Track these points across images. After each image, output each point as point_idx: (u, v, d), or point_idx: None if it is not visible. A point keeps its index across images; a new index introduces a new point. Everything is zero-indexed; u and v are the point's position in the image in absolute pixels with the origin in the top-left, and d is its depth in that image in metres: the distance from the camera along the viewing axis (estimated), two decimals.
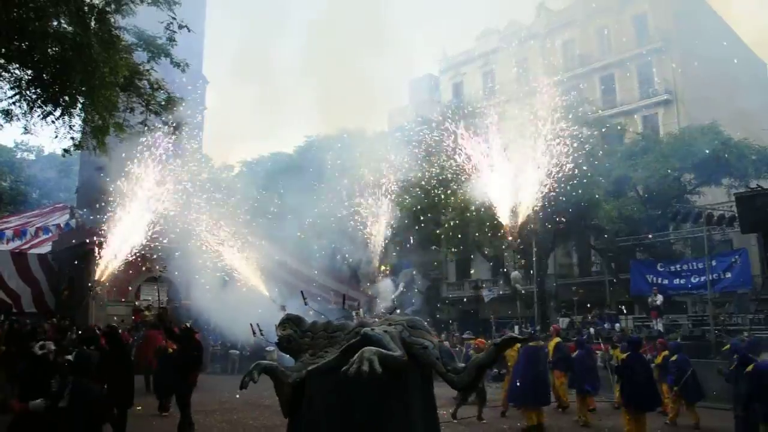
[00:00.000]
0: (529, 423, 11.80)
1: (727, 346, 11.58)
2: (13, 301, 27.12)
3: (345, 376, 5.15)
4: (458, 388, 6.05)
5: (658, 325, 20.82)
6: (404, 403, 5.82)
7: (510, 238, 19.20)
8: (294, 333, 6.63)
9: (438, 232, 27.88)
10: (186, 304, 23.14)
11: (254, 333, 12.83)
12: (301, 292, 8.35)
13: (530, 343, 12.15)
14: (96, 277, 18.33)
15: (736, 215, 19.91)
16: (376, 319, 6.80)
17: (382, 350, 5.43)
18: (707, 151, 23.19)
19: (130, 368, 10.79)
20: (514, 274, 23.50)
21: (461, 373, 5.79)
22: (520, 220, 19.88)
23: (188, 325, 11.97)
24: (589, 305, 26.17)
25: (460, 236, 27.30)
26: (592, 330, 21.51)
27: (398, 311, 8.11)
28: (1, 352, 14.03)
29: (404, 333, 6.01)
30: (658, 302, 21.23)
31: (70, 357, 6.44)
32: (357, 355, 5.26)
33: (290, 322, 6.78)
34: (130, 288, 27.17)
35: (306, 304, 8.13)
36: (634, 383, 10.04)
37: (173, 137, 15.26)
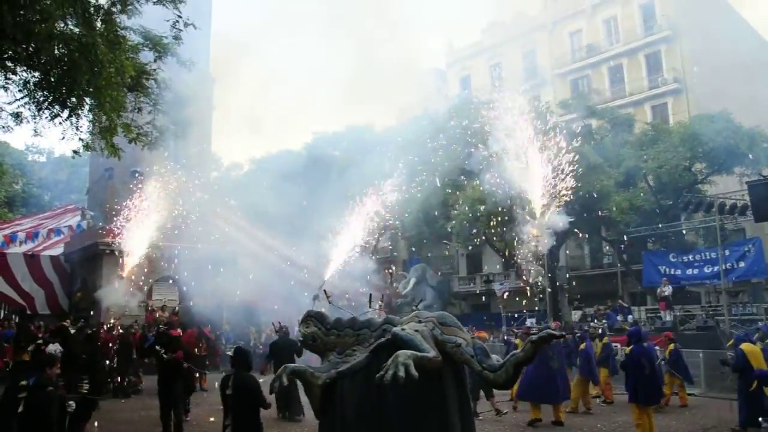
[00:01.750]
0: (533, 416, 11.73)
1: (731, 341, 11.55)
2: (27, 302, 27.34)
3: (380, 380, 5.00)
4: (496, 385, 5.91)
5: (668, 317, 20.61)
6: (440, 400, 5.69)
7: (535, 235, 19.13)
8: (318, 330, 6.49)
9: (449, 228, 27.80)
10: (198, 303, 23.27)
11: (276, 330, 12.80)
12: (324, 290, 8.30)
13: None
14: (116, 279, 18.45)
15: (749, 204, 19.72)
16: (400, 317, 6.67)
17: (417, 353, 5.27)
18: (718, 140, 22.97)
19: (81, 365, 10.67)
20: (536, 269, 23.39)
21: (498, 371, 5.67)
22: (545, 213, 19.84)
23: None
24: (601, 298, 26.05)
25: (470, 231, 27.25)
26: (604, 322, 21.38)
27: (419, 306, 8.04)
28: None
29: (435, 331, 5.84)
30: (667, 293, 21.02)
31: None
32: (391, 359, 5.09)
33: (313, 319, 6.61)
34: (143, 288, 27.30)
35: (330, 302, 8.04)
36: (639, 377, 9.85)
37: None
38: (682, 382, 14.16)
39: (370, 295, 8.52)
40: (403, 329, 5.75)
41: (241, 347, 7.71)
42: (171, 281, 27.01)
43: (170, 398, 10.22)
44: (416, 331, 5.70)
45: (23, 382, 6.30)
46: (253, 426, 6.53)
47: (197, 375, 14.10)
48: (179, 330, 19.37)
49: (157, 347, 11.08)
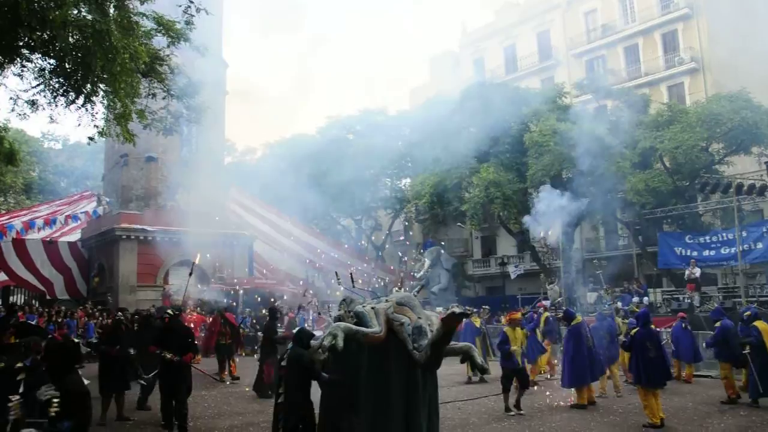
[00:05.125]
0: (581, 401, 11.45)
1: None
2: (46, 288, 27.75)
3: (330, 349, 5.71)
4: (419, 365, 6.21)
5: (695, 299, 20.40)
6: (384, 374, 6.23)
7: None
8: (345, 313, 7.04)
9: (462, 209, 27.75)
10: (216, 288, 23.42)
11: (319, 313, 13.19)
12: (336, 272, 8.71)
13: (572, 323, 11.96)
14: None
15: (767, 184, 19.49)
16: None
17: (352, 326, 5.94)
18: (736, 120, 22.63)
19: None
20: (553, 287, 23.39)
21: (421, 351, 6.03)
22: None
23: (171, 312, 10.34)
24: (617, 279, 25.92)
25: (484, 213, 27.19)
26: (620, 304, 21.29)
27: (433, 288, 8.38)
28: None
29: (389, 310, 6.37)
30: (697, 274, 20.79)
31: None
32: (327, 330, 5.86)
33: (344, 302, 7.28)
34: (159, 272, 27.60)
35: (339, 284, 8.51)
36: (644, 359, 9.84)
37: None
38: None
39: (351, 275, 9.01)
40: (363, 306, 6.44)
41: (304, 328, 8.39)
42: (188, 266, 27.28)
43: (173, 394, 9.36)
44: (372, 308, 6.33)
45: (19, 364, 6.36)
46: (303, 395, 7.11)
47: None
48: (195, 314, 19.45)
49: (158, 351, 9.32)
